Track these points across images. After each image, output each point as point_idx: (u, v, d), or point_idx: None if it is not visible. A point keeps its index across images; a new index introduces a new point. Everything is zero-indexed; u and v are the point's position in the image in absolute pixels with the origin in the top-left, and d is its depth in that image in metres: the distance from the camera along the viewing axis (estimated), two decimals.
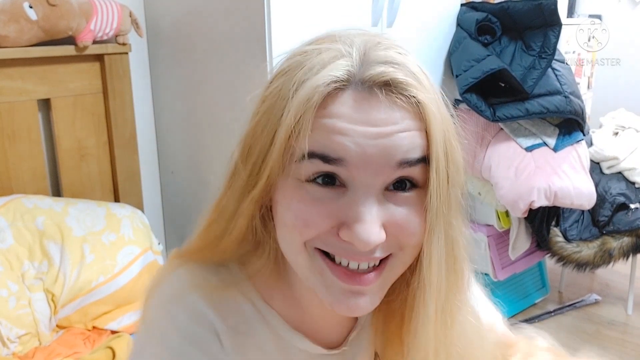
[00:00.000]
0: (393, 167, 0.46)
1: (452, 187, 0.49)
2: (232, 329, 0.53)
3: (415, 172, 0.47)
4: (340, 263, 0.49)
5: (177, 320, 0.51)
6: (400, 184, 0.48)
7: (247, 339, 0.54)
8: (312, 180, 0.47)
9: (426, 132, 0.47)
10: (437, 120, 0.47)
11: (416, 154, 0.47)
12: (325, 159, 0.46)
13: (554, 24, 1.95)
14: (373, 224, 0.45)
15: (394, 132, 0.46)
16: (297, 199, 0.47)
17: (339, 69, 0.46)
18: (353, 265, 0.48)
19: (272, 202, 0.51)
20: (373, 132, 0.45)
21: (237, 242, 0.53)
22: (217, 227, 0.54)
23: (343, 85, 0.46)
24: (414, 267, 0.51)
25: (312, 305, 0.57)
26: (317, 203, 0.47)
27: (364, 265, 0.49)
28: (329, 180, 0.47)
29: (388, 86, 0.46)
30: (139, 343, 0.53)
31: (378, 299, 0.50)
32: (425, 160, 0.47)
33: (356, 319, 0.62)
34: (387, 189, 0.47)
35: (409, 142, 0.46)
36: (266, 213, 0.53)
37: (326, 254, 0.49)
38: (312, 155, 0.46)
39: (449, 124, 0.49)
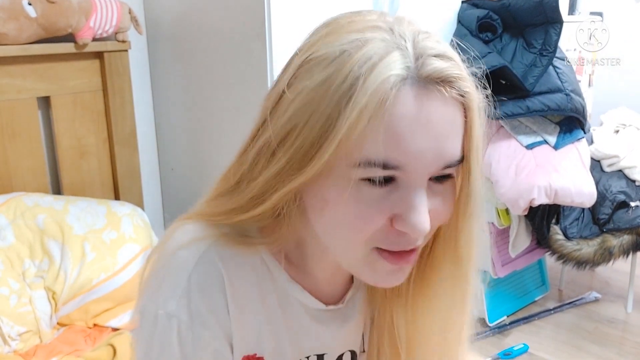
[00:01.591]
0: (441, 166, 0.48)
1: (478, 177, 0.52)
2: (235, 278, 0.54)
3: (452, 171, 0.50)
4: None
5: (187, 264, 0.52)
6: (442, 176, 0.50)
7: (249, 288, 0.55)
8: (366, 178, 0.47)
9: (468, 130, 0.49)
10: (479, 117, 0.49)
11: (458, 155, 0.49)
12: (386, 166, 0.46)
13: (555, 21, 1.94)
14: (425, 214, 0.48)
15: (448, 134, 0.47)
16: (353, 201, 0.47)
17: (397, 66, 0.45)
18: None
19: (309, 193, 0.51)
20: (432, 134, 0.46)
21: (255, 220, 0.53)
22: (233, 202, 0.54)
23: (401, 83, 0.45)
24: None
25: (317, 267, 0.60)
26: (374, 202, 0.48)
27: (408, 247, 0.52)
28: (384, 178, 0.47)
29: (445, 82, 0.46)
30: (146, 298, 0.53)
31: (410, 269, 0.55)
32: (462, 159, 0.50)
33: (352, 280, 0.65)
34: (429, 179, 0.49)
35: (457, 145, 0.48)
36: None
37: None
38: (373, 163, 0.45)
39: (483, 117, 0.51)
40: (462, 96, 0.47)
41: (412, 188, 0.47)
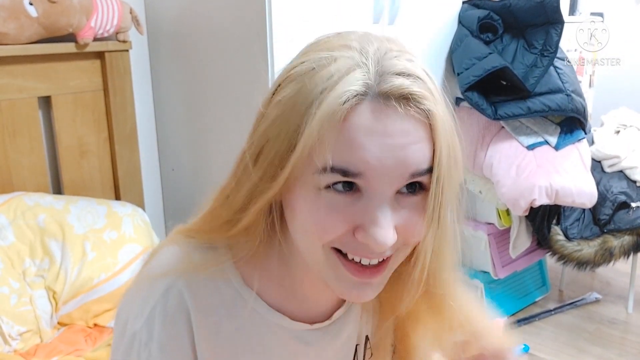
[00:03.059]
0: (406, 177, 0.49)
1: (451, 187, 0.52)
2: (206, 310, 0.56)
3: (424, 178, 0.50)
4: (352, 259, 0.52)
5: (155, 294, 0.55)
6: (410, 187, 0.50)
7: (222, 319, 0.57)
8: (329, 186, 0.49)
9: (433, 142, 0.49)
10: (444, 130, 0.50)
11: (425, 164, 0.49)
12: (345, 173, 0.48)
13: (556, 22, 1.94)
14: (388, 228, 0.48)
15: (409, 144, 0.48)
16: (315, 208, 0.50)
17: (356, 82, 0.47)
18: (365, 261, 0.52)
19: (284, 203, 0.54)
20: (391, 143, 0.47)
21: (244, 233, 0.56)
22: (223, 216, 0.56)
23: (361, 97, 0.48)
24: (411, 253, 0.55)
25: (303, 284, 0.60)
26: (335, 210, 0.49)
27: (374, 261, 0.52)
28: (346, 187, 0.49)
29: (404, 99, 0.48)
30: (122, 306, 0.58)
31: (381, 286, 0.55)
32: (431, 169, 0.50)
33: (344, 299, 0.65)
34: (398, 191, 0.50)
35: (421, 154, 0.49)
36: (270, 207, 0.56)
37: (340, 251, 0.52)
38: (333, 169, 0.48)
39: (452, 128, 0.51)
40: (425, 114, 0.48)
41: (376, 200, 0.48)
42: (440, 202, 0.50)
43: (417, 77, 0.49)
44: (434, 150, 0.49)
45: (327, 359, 0.64)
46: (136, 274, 0.61)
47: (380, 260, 0.52)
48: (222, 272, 0.57)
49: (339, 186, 0.49)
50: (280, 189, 0.50)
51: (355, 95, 0.47)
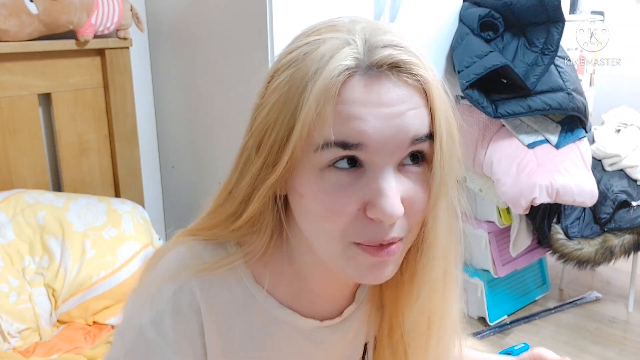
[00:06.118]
0: (407, 144, 0.49)
1: (452, 161, 0.52)
2: (217, 309, 0.56)
3: (425, 146, 0.50)
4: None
5: (166, 295, 0.55)
6: (412, 158, 0.51)
7: (233, 318, 0.57)
8: (331, 165, 0.49)
9: (430, 108, 0.50)
10: (440, 96, 0.51)
11: (425, 130, 0.50)
12: (345, 145, 0.48)
13: (557, 20, 1.94)
14: (395, 197, 0.48)
15: (405, 111, 0.48)
16: (321, 190, 0.49)
17: (346, 58, 0.48)
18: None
19: (289, 190, 0.53)
20: (387, 112, 0.48)
21: (249, 224, 0.56)
22: (227, 210, 0.56)
23: (353, 71, 0.48)
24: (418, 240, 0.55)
25: (313, 281, 0.60)
26: (341, 189, 0.49)
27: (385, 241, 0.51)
28: (349, 163, 0.49)
29: (395, 67, 0.49)
30: (129, 310, 0.58)
31: (396, 267, 0.54)
32: (431, 136, 0.50)
33: (354, 295, 0.64)
34: (400, 163, 0.50)
35: (420, 120, 0.49)
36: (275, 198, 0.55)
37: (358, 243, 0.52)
38: (331, 144, 0.48)
39: (447, 100, 0.52)
40: (417, 79, 0.49)
41: (379, 171, 0.48)
42: (444, 172, 0.51)
43: (405, 47, 0.50)
44: (432, 116, 0.50)
45: (335, 356, 0.64)
46: (140, 275, 0.61)
47: (390, 242, 0.51)
48: (234, 271, 0.57)
49: (341, 163, 0.49)
50: (282, 174, 0.50)
51: (346, 69, 0.48)
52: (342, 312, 0.63)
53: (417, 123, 0.49)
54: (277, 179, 0.51)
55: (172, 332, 0.54)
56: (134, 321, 0.56)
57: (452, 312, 0.61)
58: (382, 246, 0.51)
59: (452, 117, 0.52)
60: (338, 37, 0.50)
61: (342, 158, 0.49)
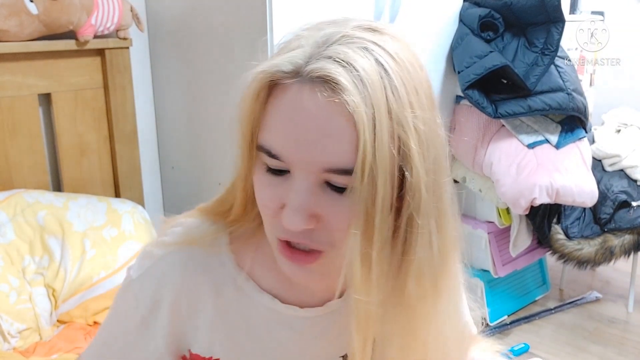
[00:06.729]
0: (319, 171, 0.47)
1: (385, 200, 0.47)
2: (192, 284, 0.58)
3: (342, 180, 0.47)
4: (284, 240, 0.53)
5: (150, 260, 0.59)
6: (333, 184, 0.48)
7: (205, 297, 0.59)
8: (267, 167, 0.51)
9: (357, 142, 0.45)
10: (379, 131, 0.45)
11: (342, 163, 0.46)
12: (269, 153, 0.49)
13: (557, 21, 1.94)
14: (297, 211, 0.48)
15: (319, 138, 0.46)
16: (258, 185, 0.52)
17: (286, 61, 0.47)
18: (296, 244, 0.52)
19: None
20: (303, 134, 0.46)
21: (241, 213, 0.59)
22: (229, 200, 0.60)
23: (291, 77, 0.47)
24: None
25: None
26: (268, 188, 0.51)
27: (302, 246, 0.52)
28: (278, 169, 0.50)
29: (326, 84, 0.45)
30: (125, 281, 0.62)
31: (319, 275, 0.54)
32: (352, 172, 0.46)
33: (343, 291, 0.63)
34: (326, 180, 0.48)
35: (335, 150, 0.46)
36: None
37: None
38: (260, 148, 0.50)
39: (388, 133, 0.45)
40: (346, 104, 0.44)
41: (296, 183, 0.48)
42: (368, 205, 0.46)
43: (354, 67, 0.45)
44: (358, 151, 0.45)
45: (315, 353, 0.63)
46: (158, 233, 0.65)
47: (309, 250, 0.51)
48: (219, 256, 0.59)
49: (271, 167, 0.50)
50: (244, 169, 0.54)
51: (277, 71, 0.47)
52: (324, 303, 0.62)
53: (335, 154, 0.45)
54: (247, 172, 0.54)
55: (146, 292, 0.58)
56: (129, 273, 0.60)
57: (451, 326, 0.59)
58: (294, 250, 0.52)
59: (395, 155, 0.46)
60: (300, 37, 0.49)
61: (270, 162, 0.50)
